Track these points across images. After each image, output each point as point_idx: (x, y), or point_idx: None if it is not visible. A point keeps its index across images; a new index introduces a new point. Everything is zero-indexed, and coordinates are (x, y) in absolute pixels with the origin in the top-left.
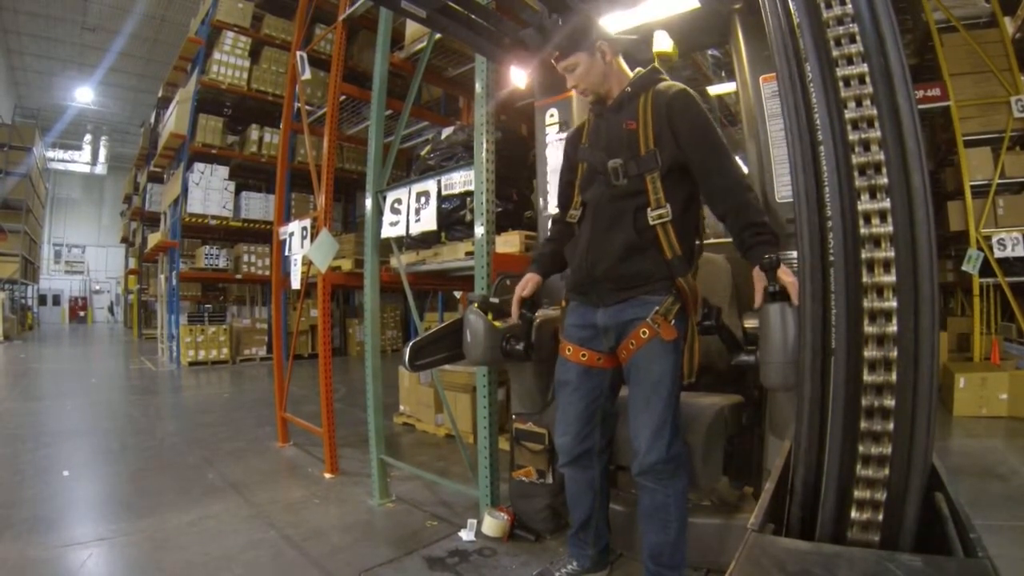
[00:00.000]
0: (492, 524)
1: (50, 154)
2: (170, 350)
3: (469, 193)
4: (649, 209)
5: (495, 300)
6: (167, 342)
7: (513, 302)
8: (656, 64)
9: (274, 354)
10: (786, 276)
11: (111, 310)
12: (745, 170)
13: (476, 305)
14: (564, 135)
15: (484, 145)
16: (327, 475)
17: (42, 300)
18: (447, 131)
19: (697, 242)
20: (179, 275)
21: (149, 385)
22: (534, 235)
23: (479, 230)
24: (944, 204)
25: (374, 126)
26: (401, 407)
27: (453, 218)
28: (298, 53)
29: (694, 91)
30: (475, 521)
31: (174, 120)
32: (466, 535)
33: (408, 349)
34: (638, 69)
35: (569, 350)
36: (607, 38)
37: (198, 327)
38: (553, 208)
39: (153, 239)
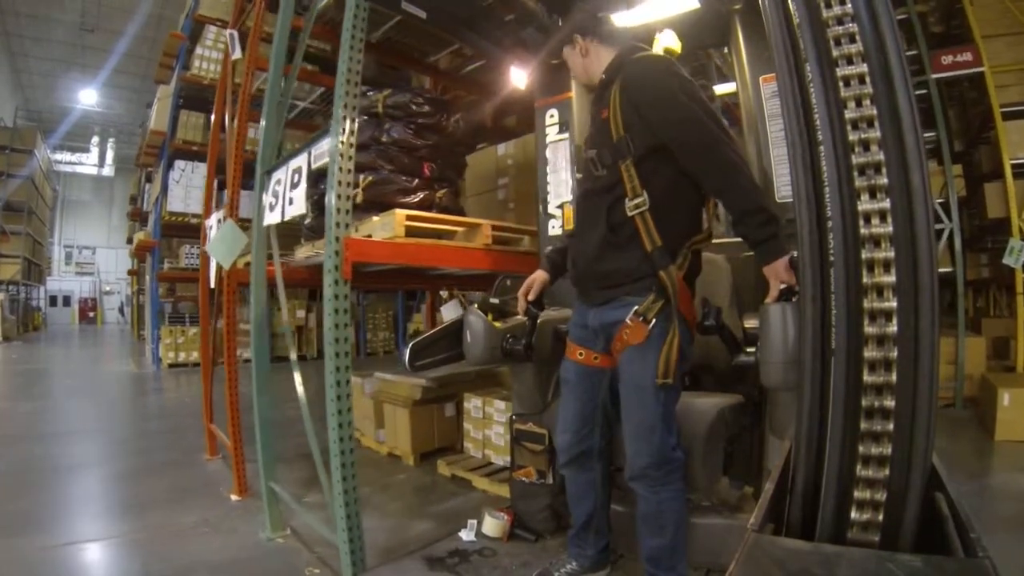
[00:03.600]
0: (492, 524)
1: (57, 156)
2: (153, 351)
3: (360, 168)
4: (627, 200)
5: (495, 300)
6: (150, 343)
7: (519, 296)
8: (634, 42)
9: (201, 359)
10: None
11: (121, 311)
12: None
13: (476, 305)
14: (564, 135)
15: (344, 100)
16: (234, 497)
17: (52, 301)
18: None
19: (701, 230)
20: (158, 275)
21: (120, 388)
22: (425, 216)
23: (329, 209)
24: (980, 187)
25: (269, 92)
26: None
27: None
28: (227, 32)
29: (664, 59)
30: (475, 521)
31: (154, 117)
32: (466, 535)
33: (408, 349)
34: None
35: (569, 349)
36: (580, 30)
37: (178, 328)
38: (553, 208)
39: (137, 239)
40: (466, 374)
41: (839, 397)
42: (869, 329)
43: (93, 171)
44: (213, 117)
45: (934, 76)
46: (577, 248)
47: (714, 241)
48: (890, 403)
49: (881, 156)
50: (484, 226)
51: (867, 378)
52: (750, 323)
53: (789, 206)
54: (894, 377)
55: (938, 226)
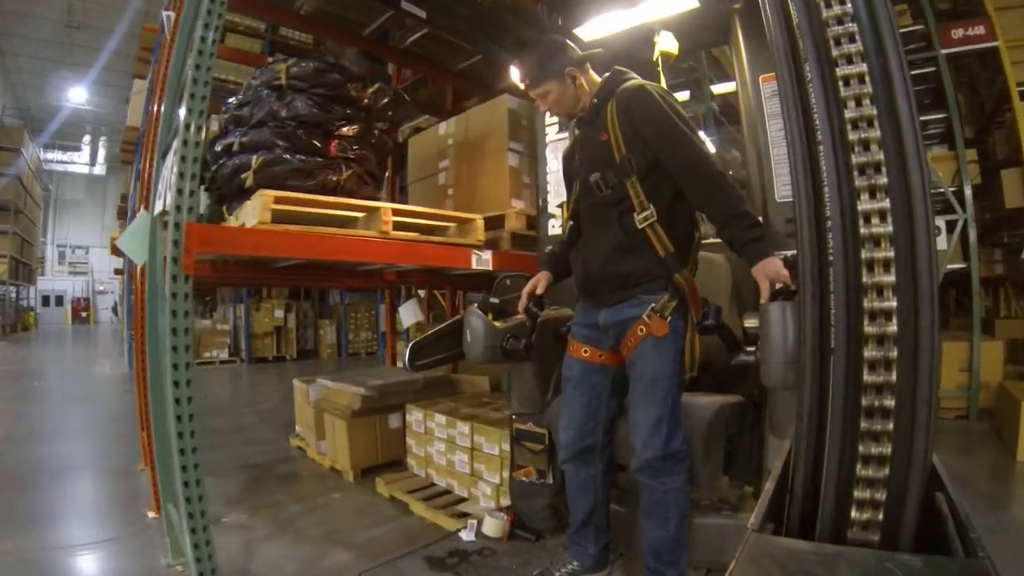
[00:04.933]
0: (492, 524)
1: (49, 155)
2: (128, 352)
3: (255, 148)
4: (635, 213)
5: (495, 300)
6: (126, 343)
7: (523, 294)
8: (617, 67)
9: (135, 363)
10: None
11: (115, 310)
12: (739, 158)
13: (476, 305)
14: (564, 135)
15: (197, 60)
16: (151, 514)
17: (45, 301)
18: (259, 73)
19: (697, 234)
20: (133, 273)
21: (90, 390)
22: (297, 198)
23: (172, 189)
24: (994, 176)
25: (172, 69)
26: (297, 427)
27: (234, 183)
28: (164, 13)
29: (654, 85)
30: (475, 521)
31: (130, 113)
32: (466, 535)
33: (408, 349)
34: (606, 75)
35: (573, 347)
36: (575, 62)
37: None
38: (554, 208)
39: (110, 237)
40: (413, 382)
41: (839, 396)
42: (869, 328)
43: (85, 170)
44: (150, 105)
45: (944, 51)
46: (586, 253)
47: (713, 241)
48: (890, 402)
49: (881, 156)
50: (383, 211)
51: (867, 377)
52: (750, 323)
53: (789, 206)
54: (894, 376)
55: (951, 217)
